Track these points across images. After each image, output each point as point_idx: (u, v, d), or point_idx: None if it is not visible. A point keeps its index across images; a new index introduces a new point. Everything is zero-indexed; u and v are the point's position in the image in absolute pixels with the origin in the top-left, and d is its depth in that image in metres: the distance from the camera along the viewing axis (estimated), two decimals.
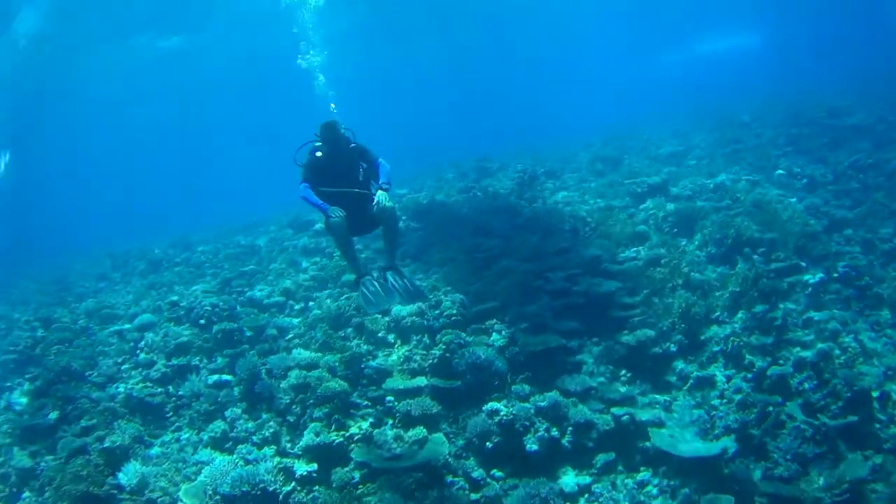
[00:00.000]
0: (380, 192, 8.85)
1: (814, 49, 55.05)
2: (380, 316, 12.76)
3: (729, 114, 26.95)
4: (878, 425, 9.92)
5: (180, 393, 12.10)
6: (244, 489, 9.05)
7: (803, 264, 13.50)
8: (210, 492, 9.22)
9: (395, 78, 56.85)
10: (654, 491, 9.19)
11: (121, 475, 9.71)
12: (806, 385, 10.47)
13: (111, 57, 35.26)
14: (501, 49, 56.74)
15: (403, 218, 18.34)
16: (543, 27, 52.10)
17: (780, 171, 18.84)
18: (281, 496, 9.18)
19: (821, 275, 13.20)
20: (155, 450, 10.94)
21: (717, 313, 12.16)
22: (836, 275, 13.30)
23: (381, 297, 9.23)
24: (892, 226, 15.23)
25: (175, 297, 15.48)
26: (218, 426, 11.05)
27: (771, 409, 9.98)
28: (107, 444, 10.49)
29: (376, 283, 9.18)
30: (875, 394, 10.21)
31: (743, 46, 61.32)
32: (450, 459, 9.50)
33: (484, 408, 10.08)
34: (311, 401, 10.64)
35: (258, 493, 9.08)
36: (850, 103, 24.04)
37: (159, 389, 12.35)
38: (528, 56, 61.99)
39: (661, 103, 37.18)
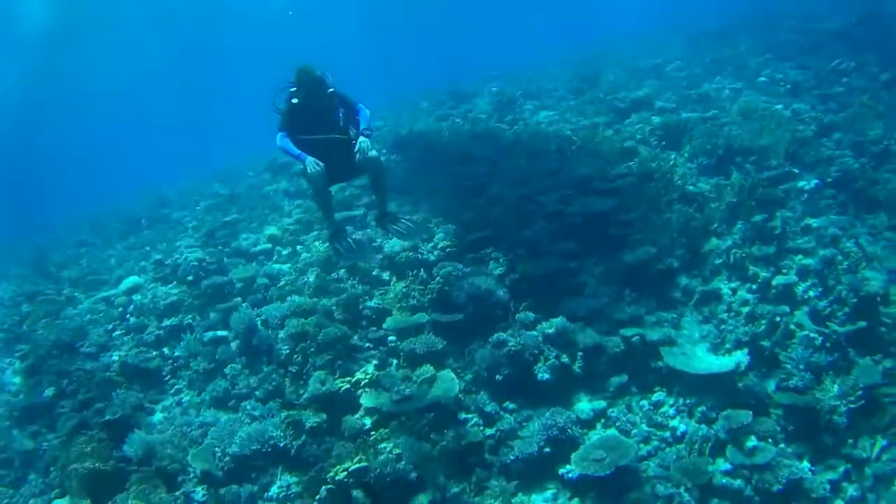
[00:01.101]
0: (361, 139, 8.51)
1: None
2: (373, 253, 12.52)
3: (703, 24, 26.51)
4: (883, 329, 9.93)
5: (176, 354, 11.90)
6: (254, 447, 8.96)
7: (796, 171, 13.27)
8: (219, 453, 9.11)
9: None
10: (671, 411, 9.14)
11: (126, 447, 9.53)
12: (812, 293, 10.48)
13: None
14: None
15: (384, 151, 17.97)
16: None
17: (763, 78, 18.60)
18: (293, 450, 9.03)
19: (815, 180, 13.02)
20: (157, 416, 10.80)
21: (716, 225, 11.95)
22: (829, 180, 13.18)
23: (353, 253, 9.22)
24: (881, 127, 15.06)
25: (159, 256, 15.13)
26: (219, 384, 10.87)
27: (779, 319, 9.95)
28: (108, 417, 10.27)
29: (349, 240, 9.14)
30: (880, 298, 10.16)
31: None
32: (461, 396, 9.37)
33: (490, 339, 9.91)
34: (312, 349, 10.42)
35: (269, 449, 8.98)
36: (823, 9, 23.73)
37: (154, 353, 12.16)
38: None
39: (634, 19, 36.59)
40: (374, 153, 8.56)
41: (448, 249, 12.00)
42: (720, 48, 22.14)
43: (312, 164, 8.28)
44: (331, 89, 8.72)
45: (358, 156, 8.42)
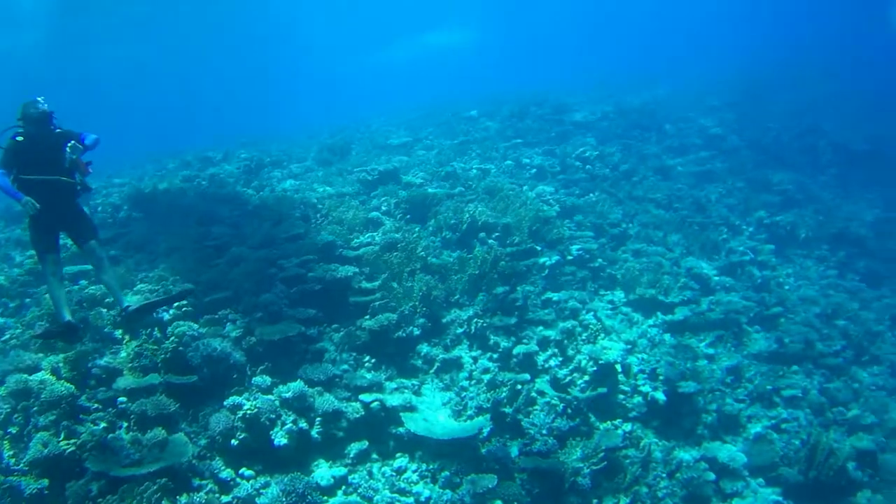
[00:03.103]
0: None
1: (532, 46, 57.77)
2: (105, 310, 11.65)
3: (456, 108, 27.26)
4: (621, 396, 10.55)
5: None
6: None
7: (538, 248, 13.69)
8: None
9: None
10: (414, 476, 8.95)
11: None
12: (552, 362, 10.81)
13: None
14: (222, 45, 55.58)
15: (125, 208, 17.02)
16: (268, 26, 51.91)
17: (509, 162, 19.18)
18: None
19: (556, 257, 13.52)
20: None
21: (458, 296, 12.04)
22: (570, 257, 13.74)
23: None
24: (620, 212, 16.08)
25: None
26: None
27: (520, 386, 10.08)
28: None
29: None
30: (619, 367, 10.73)
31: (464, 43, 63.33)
32: (194, 461, 8.74)
33: (225, 403, 9.38)
34: (35, 408, 9.42)
35: None
36: (574, 100, 25.12)
37: None
38: (251, 52, 61.38)
39: (387, 98, 37.37)
40: (102, 252, 8.78)
41: (184, 309, 11.37)
42: (470, 131, 22.76)
43: (29, 204, 7.88)
44: (58, 129, 8.24)
45: (81, 242, 8.68)
